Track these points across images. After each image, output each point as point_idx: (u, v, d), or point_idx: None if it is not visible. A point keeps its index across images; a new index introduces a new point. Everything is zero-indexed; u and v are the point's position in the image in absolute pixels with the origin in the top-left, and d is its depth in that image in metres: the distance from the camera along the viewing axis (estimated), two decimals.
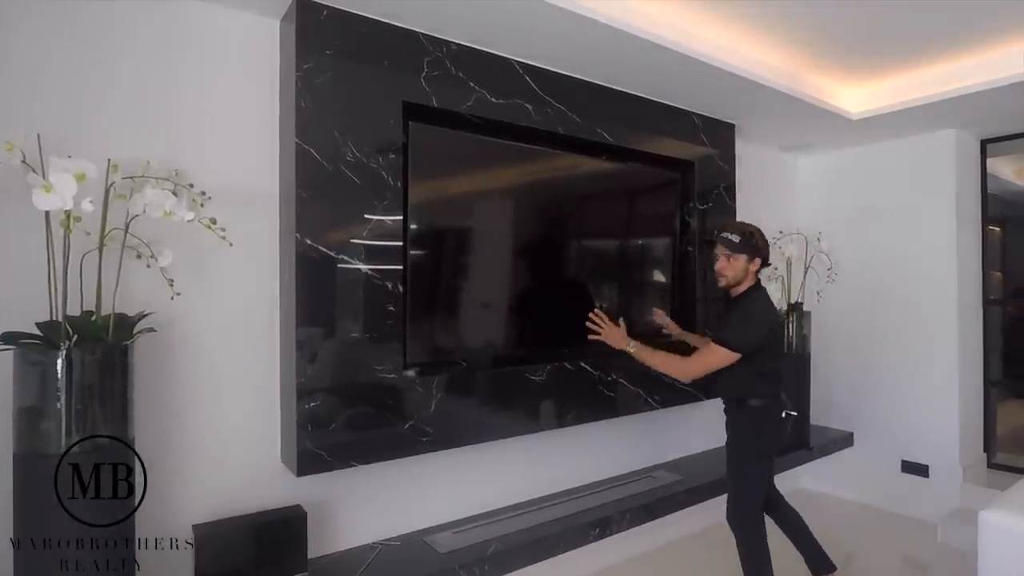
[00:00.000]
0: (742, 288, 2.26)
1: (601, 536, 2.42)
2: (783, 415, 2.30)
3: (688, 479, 2.93)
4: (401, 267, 2.04)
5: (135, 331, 1.58)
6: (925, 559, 3.09)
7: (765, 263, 2.29)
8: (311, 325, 1.87)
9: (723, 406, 2.38)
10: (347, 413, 1.93)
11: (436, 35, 2.14)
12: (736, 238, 2.20)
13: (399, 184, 2.04)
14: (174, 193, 1.62)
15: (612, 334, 2.31)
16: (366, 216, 1.97)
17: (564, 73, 2.51)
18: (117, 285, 1.54)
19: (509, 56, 2.34)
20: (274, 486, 1.97)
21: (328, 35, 1.90)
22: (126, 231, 1.56)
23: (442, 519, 2.35)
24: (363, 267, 1.96)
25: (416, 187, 2.12)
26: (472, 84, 2.22)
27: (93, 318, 1.53)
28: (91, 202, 1.40)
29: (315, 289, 1.89)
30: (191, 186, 1.69)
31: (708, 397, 3.11)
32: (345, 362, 1.94)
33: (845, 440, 3.79)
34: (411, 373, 2.09)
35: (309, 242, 1.85)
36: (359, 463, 1.94)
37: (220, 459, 1.88)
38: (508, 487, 2.57)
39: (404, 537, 2.22)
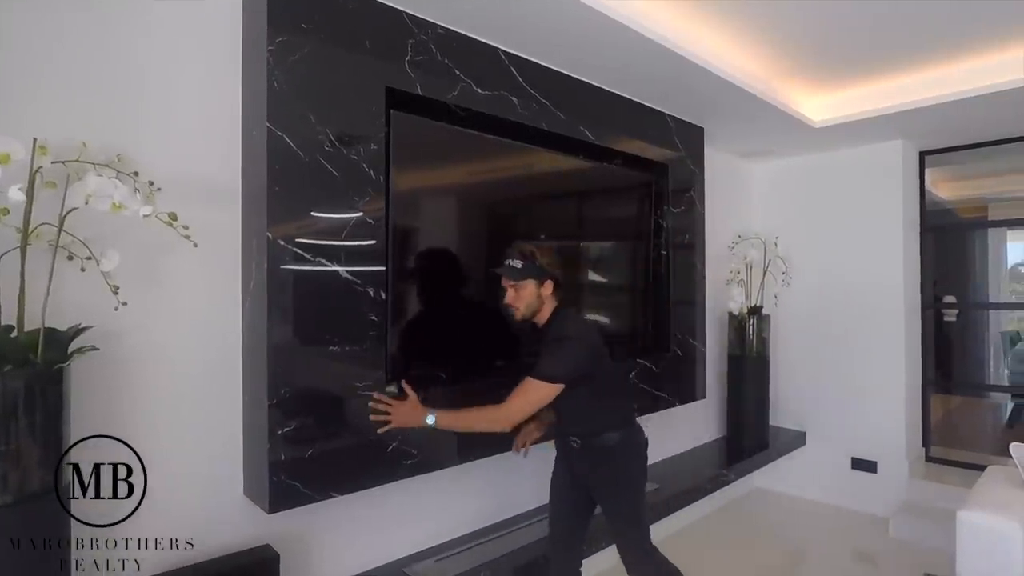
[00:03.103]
0: (546, 315, 1.98)
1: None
2: (645, 441, 2.06)
3: (665, 487, 2.87)
4: (384, 272, 1.83)
5: (70, 350, 1.29)
6: (876, 552, 3.21)
7: (559, 283, 1.99)
8: (284, 338, 1.63)
9: (576, 443, 2.00)
10: (325, 438, 1.69)
11: (421, 16, 1.94)
12: (518, 263, 1.92)
13: (381, 178, 1.83)
14: (117, 180, 1.35)
15: (403, 413, 1.81)
16: (346, 214, 1.74)
17: (548, 66, 2.38)
18: (48, 293, 1.25)
19: (495, 44, 2.18)
20: (236, 523, 1.70)
21: (305, 6, 1.66)
22: (60, 227, 1.27)
23: (422, 545, 2.16)
24: (343, 272, 1.73)
25: (399, 182, 1.91)
26: (458, 72, 2.04)
27: (14, 334, 1.23)
28: (21, 190, 1.11)
29: (289, 297, 1.64)
30: (136, 174, 1.41)
31: (683, 402, 3.09)
32: (323, 380, 1.71)
33: (798, 439, 3.90)
34: (393, 388, 1.88)
35: (282, 243, 1.61)
36: (339, 493, 1.72)
37: (174, 497, 1.59)
38: (488, 505, 2.40)
39: (382, 569, 2.01)
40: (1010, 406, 5.30)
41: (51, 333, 1.26)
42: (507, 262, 1.94)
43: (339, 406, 1.74)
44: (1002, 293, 5.87)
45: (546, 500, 2.53)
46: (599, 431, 1.95)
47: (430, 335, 2.13)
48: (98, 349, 1.33)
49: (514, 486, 2.49)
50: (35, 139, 1.26)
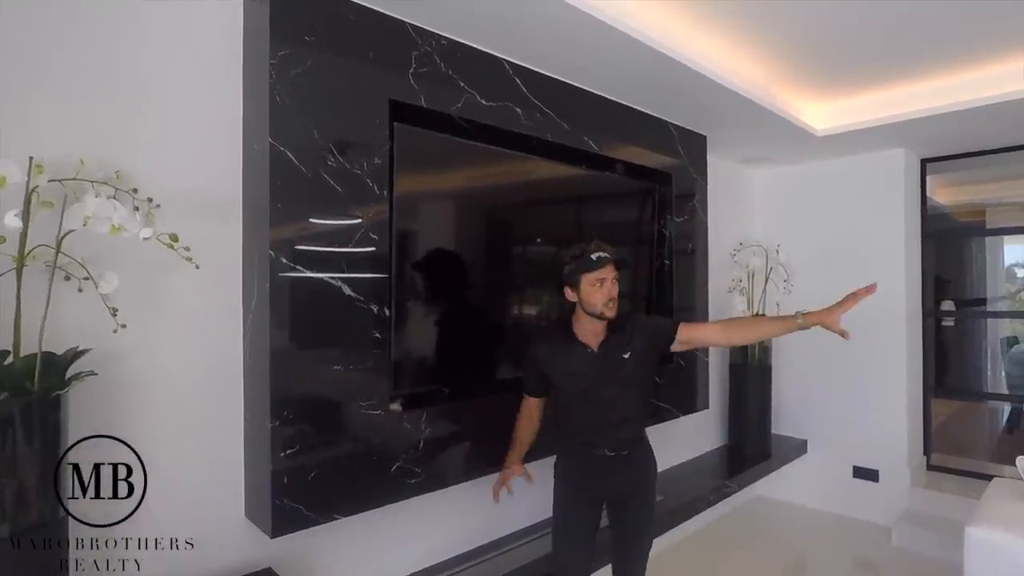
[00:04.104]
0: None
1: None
2: None
3: (668, 499, 2.84)
4: (388, 289, 1.80)
5: (68, 375, 1.25)
6: (878, 561, 3.20)
7: None
8: (286, 358, 1.59)
9: (613, 452, 1.85)
10: (329, 459, 1.66)
11: (424, 26, 1.91)
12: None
13: (385, 193, 1.79)
14: (115, 199, 1.31)
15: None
16: (349, 231, 1.71)
17: (552, 76, 2.35)
18: (45, 316, 1.22)
19: (499, 55, 2.15)
20: (238, 546, 1.67)
21: (308, 18, 1.63)
22: (57, 249, 1.24)
23: (425, 563, 2.12)
24: (347, 289, 1.70)
25: (402, 197, 1.88)
26: (462, 84, 2.01)
27: (10, 360, 1.19)
28: (17, 215, 1.07)
29: (291, 316, 1.61)
30: (135, 191, 1.38)
31: (684, 413, 3.07)
32: (327, 400, 1.67)
33: (799, 448, 3.89)
34: (397, 406, 1.85)
35: (285, 260, 1.57)
36: (342, 515, 1.68)
37: (175, 518, 1.55)
38: (488, 522, 2.36)
39: None
40: (1008, 411, 5.31)
41: (48, 358, 1.22)
42: (607, 255, 1.78)
43: (342, 426, 1.71)
44: (999, 294, 5.88)
45: (542, 517, 2.44)
46: (642, 434, 1.96)
47: (433, 351, 2.09)
48: (96, 374, 1.29)
49: (514, 503, 2.45)
50: (31, 158, 1.23)
